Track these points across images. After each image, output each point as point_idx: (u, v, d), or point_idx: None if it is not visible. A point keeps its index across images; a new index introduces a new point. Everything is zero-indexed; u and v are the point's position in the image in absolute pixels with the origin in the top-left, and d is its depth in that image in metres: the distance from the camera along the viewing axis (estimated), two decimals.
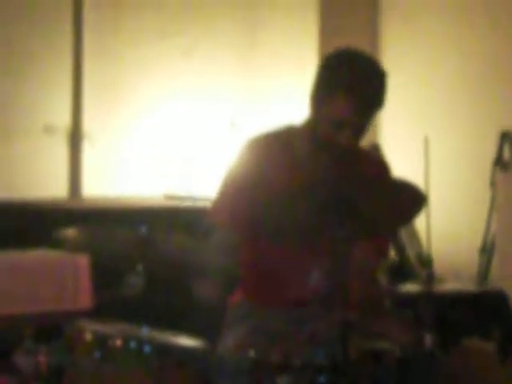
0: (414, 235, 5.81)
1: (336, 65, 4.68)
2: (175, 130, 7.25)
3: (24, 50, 6.93)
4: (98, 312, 3.66)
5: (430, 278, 4.50)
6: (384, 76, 4.66)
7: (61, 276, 3.49)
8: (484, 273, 6.43)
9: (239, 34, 7.44)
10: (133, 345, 4.49)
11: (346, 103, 4.54)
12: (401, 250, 5.72)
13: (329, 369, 4.30)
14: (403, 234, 5.74)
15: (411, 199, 4.46)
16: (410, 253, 5.78)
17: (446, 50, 7.09)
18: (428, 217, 4.54)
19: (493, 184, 6.59)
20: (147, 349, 4.48)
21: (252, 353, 4.37)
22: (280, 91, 7.11)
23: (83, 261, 3.49)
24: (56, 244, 5.04)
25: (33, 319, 3.81)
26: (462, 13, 7.05)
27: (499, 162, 6.65)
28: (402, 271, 5.67)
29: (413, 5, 7.07)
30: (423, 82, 7.04)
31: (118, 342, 4.49)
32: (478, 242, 6.45)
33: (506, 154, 6.63)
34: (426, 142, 4.62)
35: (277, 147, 4.76)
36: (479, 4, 7.00)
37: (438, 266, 4.66)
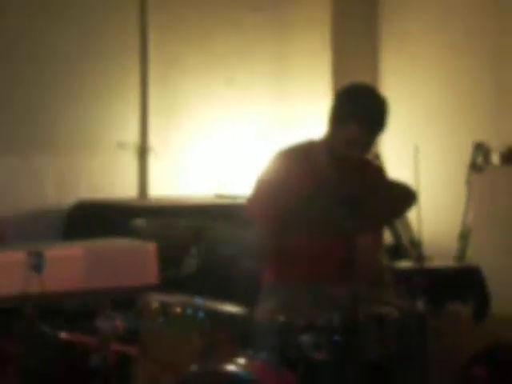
0: (407, 224, 5.79)
1: (348, 97, 4.76)
2: (222, 144, 7.19)
3: (101, 78, 6.88)
4: (162, 286, 3.71)
5: (420, 257, 4.50)
6: (386, 106, 4.70)
7: (134, 258, 3.53)
8: (462, 253, 6.47)
9: (271, 67, 7.34)
10: (189, 311, 4.53)
11: (358, 129, 4.60)
12: (397, 236, 5.68)
13: (342, 329, 4.32)
14: (398, 223, 5.73)
15: (405, 196, 4.42)
16: (404, 237, 5.75)
17: (432, 73, 7.05)
18: (419, 209, 4.50)
19: (468, 183, 6.64)
20: (200, 314, 4.51)
21: (281, 318, 4.40)
22: (303, 115, 7.04)
23: (151, 247, 3.53)
24: (130, 233, 5.22)
25: (112, 292, 3.84)
26: (445, 40, 7.02)
27: (473, 166, 6.73)
28: (398, 252, 5.64)
29: (406, 35, 6.97)
30: (413, 101, 6.98)
31: (178, 310, 4.54)
32: (457, 229, 6.46)
33: (479, 160, 6.71)
34: (416, 149, 4.64)
35: (300, 157, 4.80)
36: (460, 33, 6.93)
37: (426, 247, 4.65)
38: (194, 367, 4.32)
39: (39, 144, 6.68)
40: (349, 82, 4.85)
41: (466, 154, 6.74)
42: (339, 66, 6.90)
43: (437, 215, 6.24)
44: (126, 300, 4.47)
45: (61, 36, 6.71)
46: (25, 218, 6.50)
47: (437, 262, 5.65)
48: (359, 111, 4.63)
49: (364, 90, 4.84)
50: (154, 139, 7.01)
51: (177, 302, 4.58)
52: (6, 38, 6.52)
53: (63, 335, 4.55)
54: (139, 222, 5.29)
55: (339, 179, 4.61)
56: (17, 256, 3.26)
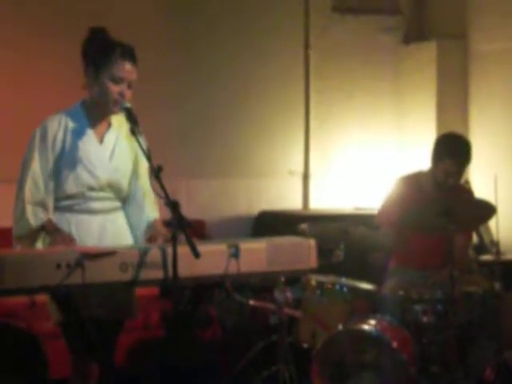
0: (488, 228, 5.61)
1: (444, 141, 4.77)
2: (359, 170, 7.01)
3: (276, 123, 6.73)
4: (319, 270, 3.74)
5: (498, 252, 4.37)
6: (470, 146, 4.70)
7: (300, 250, 3.45)
8: None
9: (393, 123, 7.10)
10: (337, 287, 4.56)
11: (453, 166, 4.63)
12: (481, 237, 5.50)
13: (443, 301, 4.31)
14: (482, 227, 5.54)
15: (487, 209, 4.40)
16: (486, 238, 5.54)
17: (509, 123, 6.47)
18: (497, 218, 4.35)
19: None
20: (345, 289, 4.54)
21: (400, 292, 4.43)
22: (416, 153, 6.73)
23: (312, 242, 3.49)
24: (297, 233, 5.09)
25: (285, 273, 3.72)
26: None
27: None
28: (481, 248, 5.45)
29: (489, 96, 6.59)
30: (495, 142, 6.46)
31: (329, 286, 4.60)
32: None
33: None
34: (496, 178, 4.57)
35: (413, 182, 4.81)
36: None
37: (502, 245, 4.50)
38: (340, 326, 4.35)
39: (234, 171, 6.64)
40: (444, 131, 4.84)
41: None
42: (440, 120, 6.75)
43: (510, 222, 5.83)
44: (294, 279, 4.50)
45: (244, 85, 6.59)
46: (225, 223, 6.53)
47: (509, 256, 5.39)
48: (452, 150, 4.65)
49: (454, 136, 4.86)
50: (313, 167, 6.91)
51: (329, 280, 4.61)
52: (202, 81, 6.43)
53: (251, 302, 4.59)
54: (303, 226, 5.38)
55: (441, 198, 4.58)
56: (221, 247, 3.33)
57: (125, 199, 3.60)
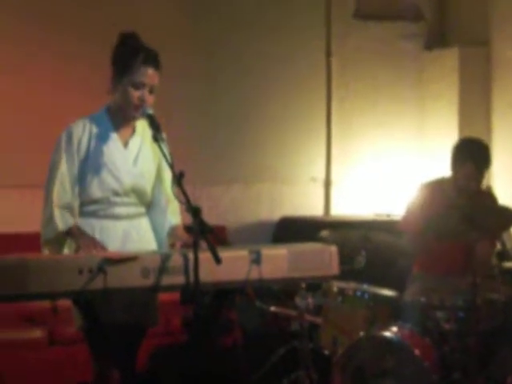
0: (510, 235, 5.61)
1: (465, 145, 4.76)
2: (380, 178, 7.01)
3: (299, 134, 6.77)
4: (340, 276, 3.72)
5: None
6: (489, 150, 4.71)
7: (321, 257, 3.43)
8: None
9: (413, 129, 7.09)
10: (358, 293, 4.56)
11: (473, 170, 4.62)
12: (503, 243, 5.42)
13: (465, 308, 4.29)
14: (505, 234, 5.42)
15: (510, 216, 4.40)
16: (508, 245, 5.52)
17: None
18: None
19: None
20: (366, 296, 4.53)
21: (422, 299, 4.41)
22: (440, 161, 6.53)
23: (333, 248, 3.46)
24: (318, 239, 5.06)
25: (306, 279, 3.74)
26: None
27: None
28: (504, 255, 5.40)
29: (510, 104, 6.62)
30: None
31: (350, 292, 4.58)
32: None
33: None
34: None
35: (436, 188, 4.80)
36: None
37: None
38: (361, 333, 4.35)
39: (256, 177, 6.66)
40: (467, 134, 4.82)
41: None
42: (462, 127, 6.74)
43: None
44: (315, 285, 4.50)
45: (266, 92, 6.61)
46: (246, 229, 6.55)
47: None
48: (472, 154, 4.65)
49: (473, 140, 4.87)
50: (335, 174, 6.92)
51: (350, 287, 4.61)
52: (219, 90, 6.45)
53: (272, 308, 4.61)
54: (324, 233, 5.37)
55: (463, 204, 4.58)
56: (243, 253, 3.33)
57: (149, 204, 3.61)
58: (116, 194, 3.48)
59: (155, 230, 3.62)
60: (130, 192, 3.50)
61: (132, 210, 3.53)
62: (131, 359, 3.58)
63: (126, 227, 3.50)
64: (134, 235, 3.52)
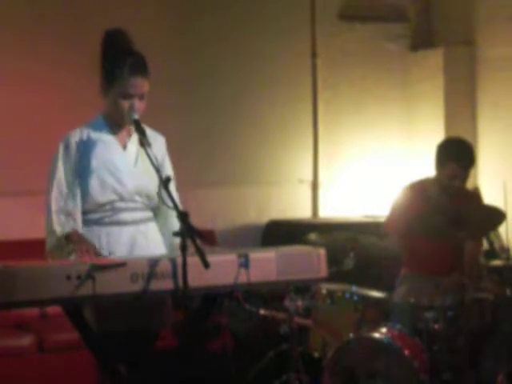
0: (498, 234, 5.58)
1: (447, 145, 4.79)
2: (367, 180, 6.97)
3: (284, 127, 6.74)
4: (329, 279, 3.72)
5: (508, 258, 4.40)
6: (472, 149, 4.72)
7: (310, 259, 3.44)
8: None
9: (401, 130, 7.08)
10: (347, 295, 4.57)
11: (456, 169, 4.63)
12: (491, 242, 5.49)
13: (454, 308, 4.30)
14: (492, 233, 5.51)
15: (497, 215, 4.41)
16: (496, 244, 5.53)
17: None
18: (507, 224, 4.39)
19: None
20: (355, 297, 4.54)
21: (411, 300, 4.42)
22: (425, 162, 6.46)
23: (322, 251, 3.47)
24: (306, 242, 5.17)
25: (295, 282, 3.71)
26: None
27: None
28: (491, 254, 5.44)
29: (495, 105, 6.59)
30: (503, 150, 6.39)
31: (339, 294, 4.59)
32: None
33: None
34: (505, 184, 4.58)
35: (419, 189, 4.80)
36: None
37: None
38: (351, 334, 4.36)
39: (243, 180, 6.64)
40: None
41: None
42: (449, 127, 6.73)
43: None
44: (304, 288, 4.52)
45: (251, 94, 6.58)
46: (234, 232, 6.52)
47: None
48: (455, 153, 4.66)
49: (456, 139, 4.90)
50: (322, 176, 6.90)
51: (339, 289, 4.62)
52: (215, 92, 6.45)
53: (261, 312, 4.63)
54: (312, 235, 5.37)
55: (448, 204, 4.58)
56: (231, 257, 3.34)
57: (155, 208, 3.60)
58: (121, 198, 3.46)
59: (163, 233, 3.59)
60: (134, 195, 3.49)
61: (138, 215, 3.51)
62: (144, 364, 3.56)
63: (132, 233, 3.49)
64: (141, 241, 3.50)
